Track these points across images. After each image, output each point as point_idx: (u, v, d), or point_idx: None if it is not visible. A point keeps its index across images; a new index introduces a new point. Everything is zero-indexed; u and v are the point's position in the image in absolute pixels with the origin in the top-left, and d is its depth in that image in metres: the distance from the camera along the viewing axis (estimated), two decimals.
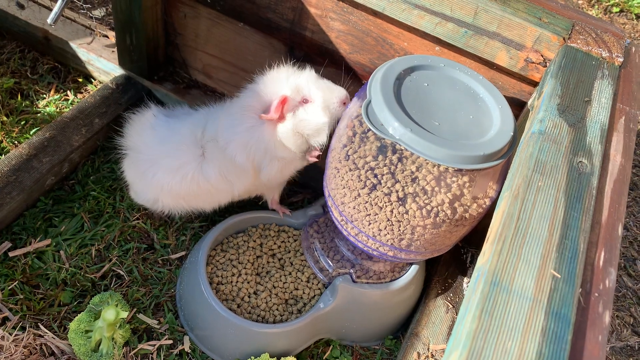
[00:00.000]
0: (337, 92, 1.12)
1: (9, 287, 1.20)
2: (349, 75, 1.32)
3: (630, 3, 2.73)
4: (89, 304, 1.17)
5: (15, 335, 1.13)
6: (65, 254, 1.29)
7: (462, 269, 1.36)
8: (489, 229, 0.74)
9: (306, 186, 1.55)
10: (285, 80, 1.11)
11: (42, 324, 1.17)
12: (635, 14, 2.71)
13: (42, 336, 1.15)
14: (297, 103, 1.10)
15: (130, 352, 1.16)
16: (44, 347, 1.14)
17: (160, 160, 1.19)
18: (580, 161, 0.79)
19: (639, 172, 1.95)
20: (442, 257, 1.37)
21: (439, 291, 1.31)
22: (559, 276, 0.64)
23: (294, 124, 1.11)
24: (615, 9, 2.71)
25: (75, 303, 1.23)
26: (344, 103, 1.12)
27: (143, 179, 1.23)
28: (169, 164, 1.18)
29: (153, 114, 1.25)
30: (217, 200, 1.25)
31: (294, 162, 1.20)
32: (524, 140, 0.85)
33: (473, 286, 0.64)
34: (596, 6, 2.71)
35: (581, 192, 0.75)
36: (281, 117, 1.10)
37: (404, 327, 1.32)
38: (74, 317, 1.18)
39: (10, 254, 1.25)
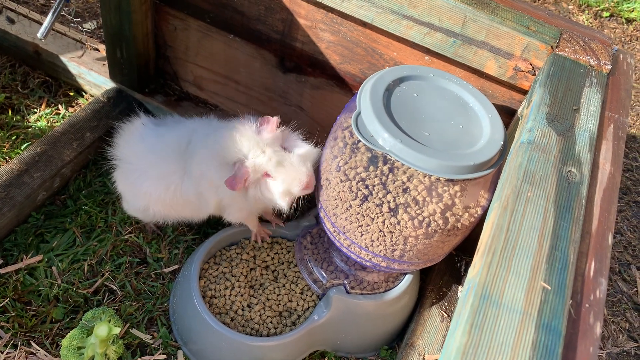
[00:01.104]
0: (300, 176, 1.07)
1: (0, 305, 1.19)
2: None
3: (620, 7, 2.74)
4: (81, 320, 1.16)
5: (7, 353, 1.12)
6: (57, 269, 1.28)
7: (456, 277, 1.35)
8: (479, 241, 0.74)
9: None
10: (249, 147, 1.08)
11: (34, 342, 1.16)
12: (625, 19, 2.73)
13: (34, 354, 1.14)
14: (259, 176, 1.08)
15: None
16: None
17: (148, 169, 1.19)
18: (569, 170, 0.79)
19: (632, 177, 1.95)
20: (436, 266, 1.36)
21: (434, 300, 1.30)
22: (549, 288, 0.64)
23: (255, 195, 1.10)
24: (605, 14, 2.73)
25: (68, 319, 1.22)
26: (307, 187, 1.08)
27: (133, 188, 1.24)
28: (156, 173, 1.18)
29: (142, 123, 1.25)
30: (205, 212, 1.25)
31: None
32: (513, 150, 0.85)
33: (463, 300, 0.64)
34: (586, 11, 2.72)
35: (571, 201, 0.75)
36: (245, 187, 1.10)
37: (399, 337, 1.32)
38: (67, 333, 1.17)
39: (2, 271, 1.24)
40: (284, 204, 1.09)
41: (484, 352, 0.57)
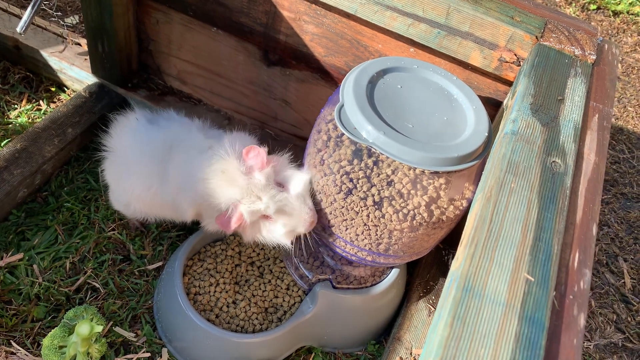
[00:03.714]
0: (304, 217, 1.01)
1: None
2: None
3: (607, 0, 2.75)
4: (63, 318, 1.14)
5: None
6: (38, 267, 1.25)
7: (443, 270, 1.35)
8: (463, 233, 0.73)
9: None
10: (241, 194, 1.00)
11: (14, 341, 1.14)
12: (612, 11, 2.73)
13: (15, 354, 1.12)
14: (256, 218, 1.02)
15: None
16: None
17: (133, 166, 1.17)
18: (553, 161, 0.78)
19: (619, 169, 1.96)
20: (423, 260, 1.36)
21: (421, 294, 1.30)
22: (533, 279, 0.63)
23: (252, 235, 1.05)
24: (592, 7, 2.73)
25: (49, 318, 1.19)
26: (311, 225, 1.03)
27: (118, 181, 1.22)
28: (139, 171, 1.16)
29: (136, 118, 1.23)
30: (183, 217, 1.21)
31: None
32: (497, 141, 0.84)
33: (446, 292, 0.63)
34: (573, 4, 2.72)
35: (555, 192, 0.74)
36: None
37: (387, 332, 1.31)
38: (48, 332, 1.15)
39: None
40: (287, 242, 1.05)
41: (466, 344, 0.56)
